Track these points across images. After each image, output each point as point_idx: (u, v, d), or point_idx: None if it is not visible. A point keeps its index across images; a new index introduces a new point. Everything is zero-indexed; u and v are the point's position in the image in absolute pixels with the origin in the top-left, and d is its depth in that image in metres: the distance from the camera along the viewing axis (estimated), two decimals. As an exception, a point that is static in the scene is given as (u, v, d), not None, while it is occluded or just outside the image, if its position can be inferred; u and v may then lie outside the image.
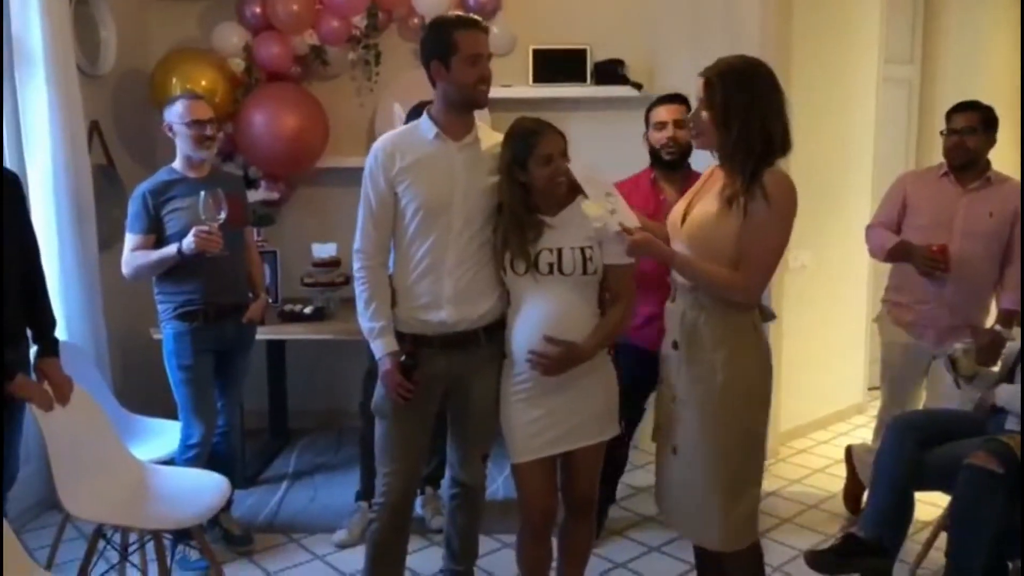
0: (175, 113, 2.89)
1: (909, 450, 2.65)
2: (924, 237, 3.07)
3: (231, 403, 3.17)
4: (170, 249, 2.80)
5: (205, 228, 2.72)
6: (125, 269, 2.91)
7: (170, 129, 2.92)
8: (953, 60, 4.81)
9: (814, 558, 2.66)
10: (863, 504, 3.34)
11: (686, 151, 2.96)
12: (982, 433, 2.58)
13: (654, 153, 3.02)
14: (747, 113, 2.00)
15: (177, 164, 2.95)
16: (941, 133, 3.14)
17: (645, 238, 2.09)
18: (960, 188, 3.08)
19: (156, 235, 2.87)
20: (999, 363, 2.76)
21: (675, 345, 2.16)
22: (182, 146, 2.92)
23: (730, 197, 2.03)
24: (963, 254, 3.01)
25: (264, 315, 3.26)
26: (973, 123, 3.05)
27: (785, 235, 2.07)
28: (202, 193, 2.73)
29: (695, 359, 2.10)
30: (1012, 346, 2.75)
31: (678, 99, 3.01)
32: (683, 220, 2.15)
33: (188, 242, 2.74)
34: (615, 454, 3.13)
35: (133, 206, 2.88)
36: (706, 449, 2.10)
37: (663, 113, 2.99)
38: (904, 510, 2.68)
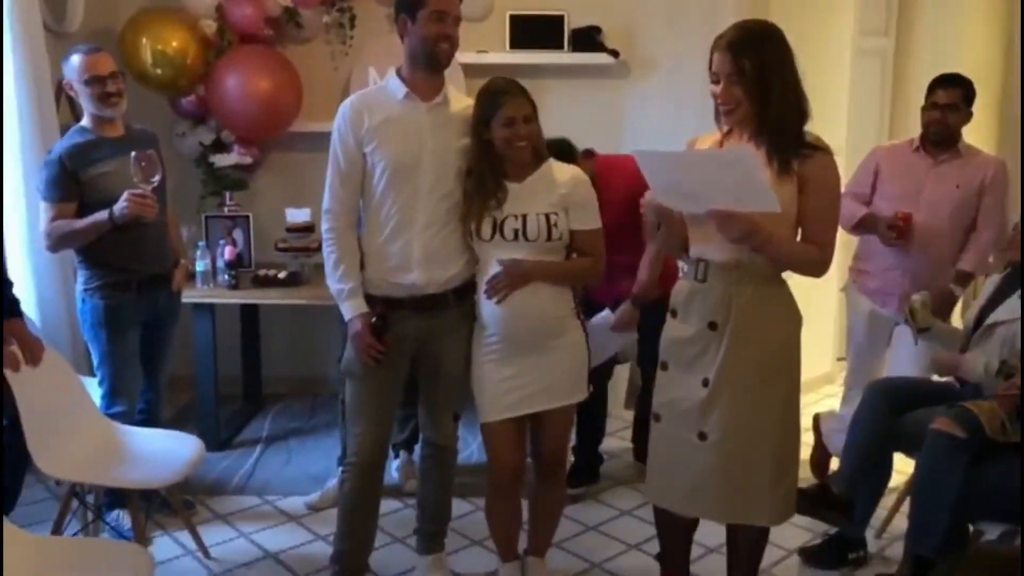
0: (72, 69, 2.67)
1: (883, 414, 2.69)
2: (892, 208, 3.12)
3: (158, 377, 2.98)
4: (101, 215, 2.60)
5: (139, 192, 2.54)
6: (47, 241, 2.70)
7: (70, 87, 2.71)
8: (928, 32, 4.83)
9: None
10: (830, 471, 3.42)
11: None
12: (957, 400, 2.60)
13: None
14: (782, 75, 1.97)
15: (87, 123, 2.74)
16: (923, 109, 3.14)
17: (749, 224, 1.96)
18: (930, 160, 3.12)
19: (77, 202, 2.65)
20: (934, 326, 2.81)
21: (712, 326, 2.07)
22: (86, 105, 2.71)
23: (782, 165, 1.98)
24: (928, 224, 3.06)
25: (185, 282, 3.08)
26: (956, 100, 3.07)
27: (840, 197, 2.07)
28: (133, 154, 2.55)
29: (741, 336, 2.04)
30: (970, 314, 2.82)
31: None
32: None
33: (121, 207, 2.55)
34: (595, 414, 3.23)
35: (48, 172, 2.65)
36: (752, 429, 2.06)
37: None
38: (876, 474, 2.74)
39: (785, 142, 2.00)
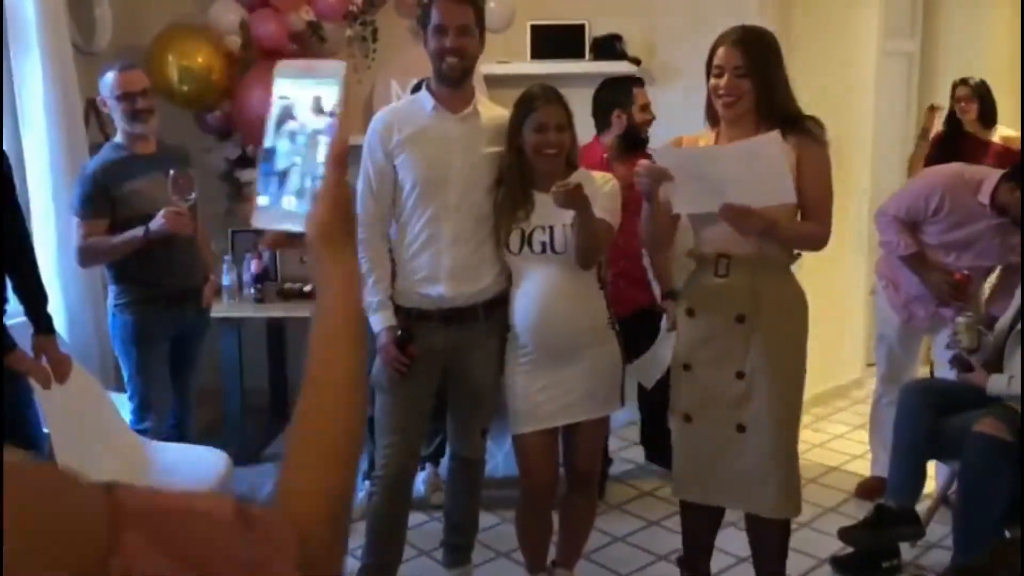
0: (106, 86, 2.71)
1: (925, 416, 2.64)
2: (939, 248, 2.97)
3: (187, 392, 2.98)
4: (136, 232, 2.62)
5: (176, 209, 2.58)
6: (79, 257, 2.73)
7: (104, 104, 2.76)
8: (954, 33, 4.78)
9: (848, 534, 2.69)
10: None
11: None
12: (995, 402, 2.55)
13: (632, 134, 3.14)
14: (780, 70, 2.09)
15: (120, 140, 2.78)
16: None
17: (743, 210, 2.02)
18: (993, 213, 2.86)
19: (109, 218, 2.68)
20: (982, 344, 2.73)
21: (740, 319, 2.09)
22: (118, 121, 2.75)
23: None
24: (974, 264, 2.96)
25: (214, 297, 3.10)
26: None
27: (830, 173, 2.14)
28: (171, 173, 2.59)
29: (772, 326, 2.07)
30: (997, 328, 2.75)
31: (642, 82, 3.37)
32: None
33: (158, 223, 2.58)
34: None
35: (82, 188, 2.67)
36: (780, 418, 2.09)
37: (645, 96, 3.23)
38: (921, 477, 2.69)
39: (790, 124, 2.08)
